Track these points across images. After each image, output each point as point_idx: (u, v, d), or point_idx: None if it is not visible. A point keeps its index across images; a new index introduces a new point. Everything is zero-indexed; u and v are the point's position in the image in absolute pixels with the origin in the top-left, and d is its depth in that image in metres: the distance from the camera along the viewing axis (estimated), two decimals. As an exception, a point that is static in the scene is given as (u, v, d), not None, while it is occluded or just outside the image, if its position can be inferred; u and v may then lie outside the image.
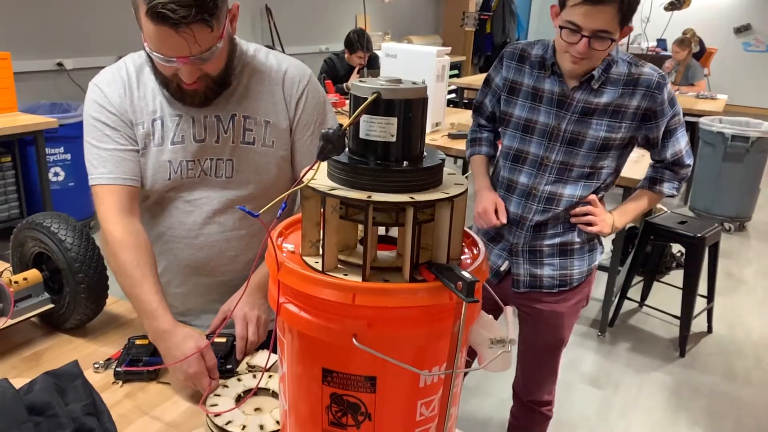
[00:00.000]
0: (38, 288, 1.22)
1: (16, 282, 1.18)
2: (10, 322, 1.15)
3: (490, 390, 2.75)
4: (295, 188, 0.74)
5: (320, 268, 0.74)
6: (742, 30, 9.63)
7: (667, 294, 3.32)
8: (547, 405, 1.96)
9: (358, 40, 4.58)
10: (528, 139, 1.66)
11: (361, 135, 0.74)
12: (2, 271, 1.28)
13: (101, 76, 1.27)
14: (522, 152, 1.68)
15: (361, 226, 0.78)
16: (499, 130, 1.76)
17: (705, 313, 3.40)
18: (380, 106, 0.72)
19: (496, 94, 1.75)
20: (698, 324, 3.35)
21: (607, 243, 2.42)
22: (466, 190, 0.76)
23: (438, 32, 8.14)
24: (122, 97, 1.24)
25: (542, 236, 1.71)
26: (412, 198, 0.71)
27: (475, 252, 0.83)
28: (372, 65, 4.72)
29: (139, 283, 1.14)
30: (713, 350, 3.24)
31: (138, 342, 1.17)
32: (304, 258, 0.78)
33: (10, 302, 1.14)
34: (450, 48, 3.55)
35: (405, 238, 0.72)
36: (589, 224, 1.66)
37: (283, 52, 5.76)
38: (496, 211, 1.70)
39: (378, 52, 4.40)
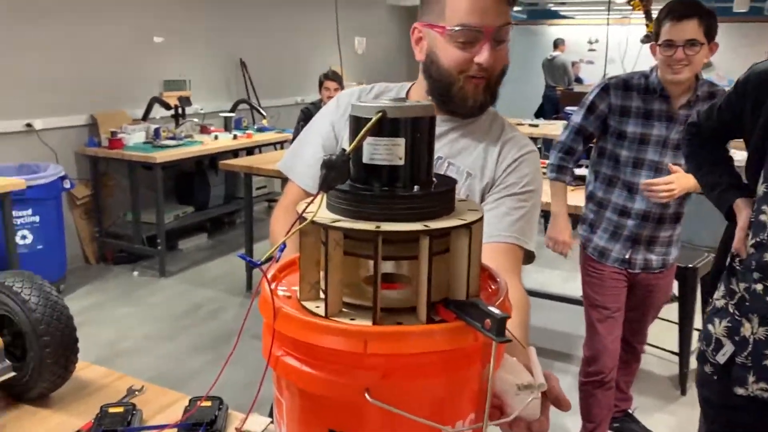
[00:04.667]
0: (-1, 355, 1.09)
1: (-27, 350, 1.05)
2: (-34, 395, 1.02)
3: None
4: (299, 227, 0.65)
5: (323, 313, 0.64)
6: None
7: (660, 329, 3.24)
8: None
9: (325, 74, 4.68)
10: (643, 148, 2.12)
11: (365, 159, 0.66)
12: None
13: (348, 90, 1.36)
14: (638, 159, 2.14)
15: (364, 264, 0.69)
16: (609, 146, 2.18)
17: (701, 348, 3.32)
18: (386, 126, 0.64)
19: (600, 117, 2.17)
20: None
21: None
22: (482, 217, 0.68)
23: (412, 81, 8.23)
24: (347, 110, 1.26)
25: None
26: (426, 226, 0.62)
27: (493, 287, 0.74)
28: (348, 113, 4.73)
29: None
30: (713, 386, 3.15)
31: (111, 410, 1.05)
32: (303, 303, 0.69)
33: (-35, 373, 1.02)
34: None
35: (419, 272, 0.63)
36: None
37: (259, 104, 5.75)
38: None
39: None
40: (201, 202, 5.19)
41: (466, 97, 1.18)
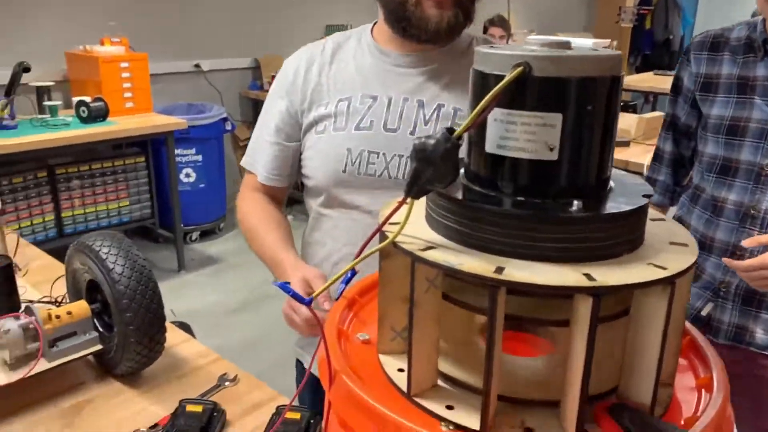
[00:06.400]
0: (86, 324, 0.99)
1: (57, 316, 0.96)
2: (43, 366, 0.93)
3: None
4: (375, 249, 0.41)
5: (405, 388, 0.40)
6: None
7: None
8: None
9: (490, 19, 4.24)
10: (737, 143, 1.23)
11: (489, 148, 0.39)
12: (55, 301, 1.08)
13: (295, 54, 1.14)
14: (730, 161, 1.24)
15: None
16: (699, 137, 1.32)
17: None
18: (529, 90, 0.37)
19: (688, 98, 1.32)
20: None
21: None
22: (695, 262, 0.38)
23: (590, 29, 7.43)
24: (301, 76, 1.10)
25: None
26: (588, 277, 0.34)
27: (702, 372, 0.44)
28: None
29: (262, 238, 1.07)
30: None
31: (189, 409, 0.90)
32: (381, 357, 0.45)
33: (44, 343, 0.92)
34: (610, 40, 3.06)
35: (572, 352, 0.36)
36: None
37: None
38: None
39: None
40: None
41: (426, 17, 0.93)
